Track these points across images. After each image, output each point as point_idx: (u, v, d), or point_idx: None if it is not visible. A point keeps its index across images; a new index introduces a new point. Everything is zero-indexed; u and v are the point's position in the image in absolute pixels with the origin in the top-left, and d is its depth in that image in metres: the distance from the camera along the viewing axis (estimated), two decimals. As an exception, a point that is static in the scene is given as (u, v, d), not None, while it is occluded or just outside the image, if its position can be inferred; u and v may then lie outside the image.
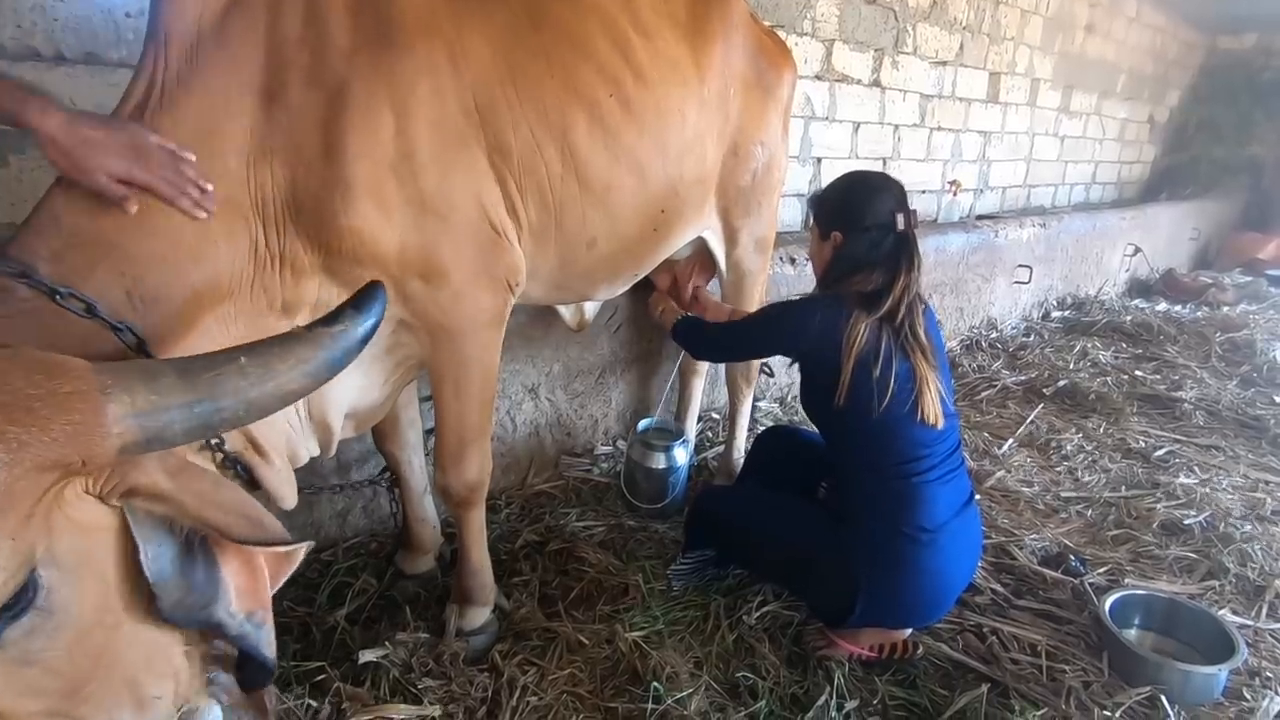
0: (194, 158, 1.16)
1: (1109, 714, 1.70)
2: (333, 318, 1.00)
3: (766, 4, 3.47)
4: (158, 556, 0.91)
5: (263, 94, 1.24)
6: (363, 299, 1.03)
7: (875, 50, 4.18)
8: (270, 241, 1.30)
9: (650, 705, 1.68)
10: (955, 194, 5.23)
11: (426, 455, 2.15)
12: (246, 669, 1.04)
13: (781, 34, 3.53)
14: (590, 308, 2.45)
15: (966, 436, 3.23)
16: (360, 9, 1.36)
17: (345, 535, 2.27)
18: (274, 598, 1.04)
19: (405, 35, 1.40)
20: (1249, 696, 1.80)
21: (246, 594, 0.99)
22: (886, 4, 4.13)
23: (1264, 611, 2.12)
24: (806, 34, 3.74)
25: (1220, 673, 1.79)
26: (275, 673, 1.05)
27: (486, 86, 1.53)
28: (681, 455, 2.55)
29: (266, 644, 1.03)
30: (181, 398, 0.85)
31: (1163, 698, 1.73)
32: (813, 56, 3.83)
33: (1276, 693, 1.79)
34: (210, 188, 1.18)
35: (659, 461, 2.51)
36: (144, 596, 0.92)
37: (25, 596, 0.79)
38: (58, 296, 1.03)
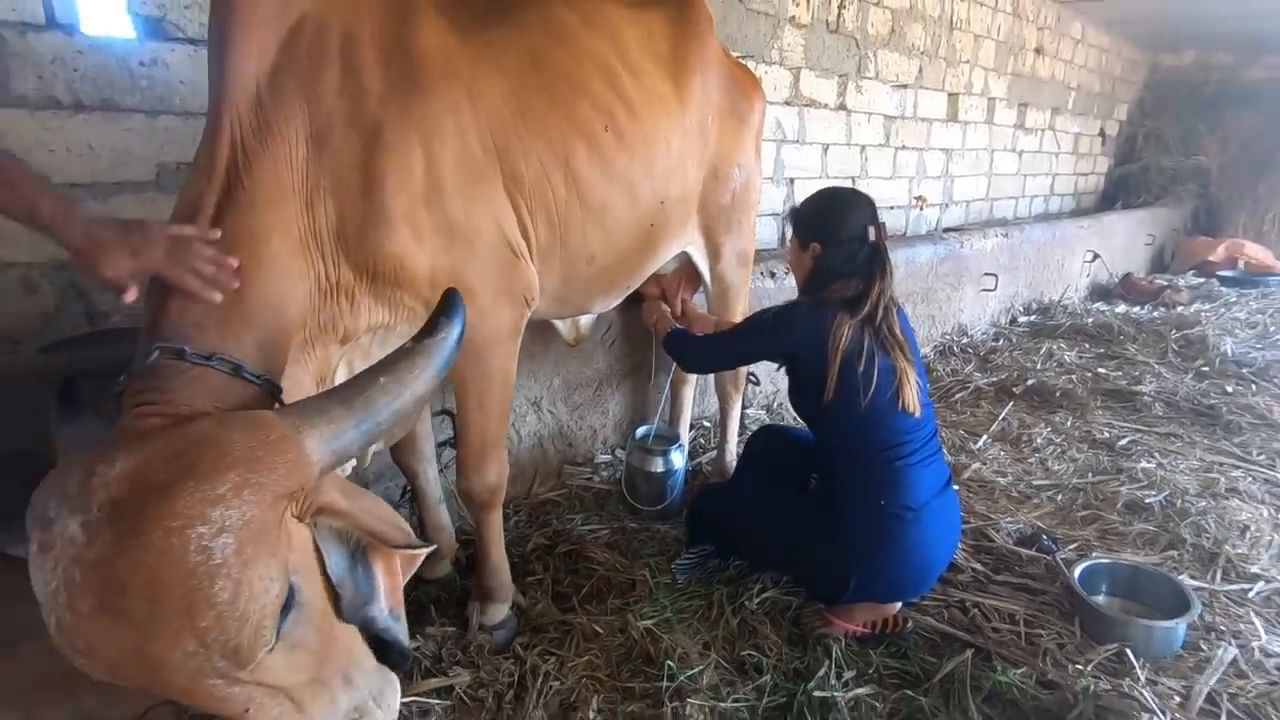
0: (217, 235, 1.23)
1: (1081, 668, 1.87)
2: (432, 328, 1.19)
3: (736, 36, 3.70)
4: (337, 563, 1.14)
5: (314, 139, 1.38)
6: (448, 306, 1.22)
7: (840, 76, 4.43)
8: (329, 272, 1.43)
9: (665, 683, 1.82)
10: (922, 209, 5.48)
11: (442, 471, 2.28)
12: (388, 656, 1.25)
13: (751, 64, 3.76)
14: (585, 322, 2.61)
15: (944, 435, 3.40)
16: (389, 57, 1.51)
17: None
18: None
19: (429, 79, 1.56)
20: (1205, 648, 1.98)
21: (390, 592, 1.21)
22: (848, 33, 4.39)
23: (1218, 575, 2.31)
24: (775, 63, 3.98)
25: (1179, 626, 1.97)
26: (411, 657, 1.27)
27: (500, 122, 1.70)
28: (679, 458, 2.69)
29: (404, 633, 1.25)
30: (350, 420, 1.08)
31: (1129, 652, 1.90)
32: (781, 84, 4.06)
33: (1229, 644, 1.97)
34: (234, 263, 1.23)
35: (658, 465, 2.65)
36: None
37: (291, 598, 1.04)
38: (213, 364, 1.17)
